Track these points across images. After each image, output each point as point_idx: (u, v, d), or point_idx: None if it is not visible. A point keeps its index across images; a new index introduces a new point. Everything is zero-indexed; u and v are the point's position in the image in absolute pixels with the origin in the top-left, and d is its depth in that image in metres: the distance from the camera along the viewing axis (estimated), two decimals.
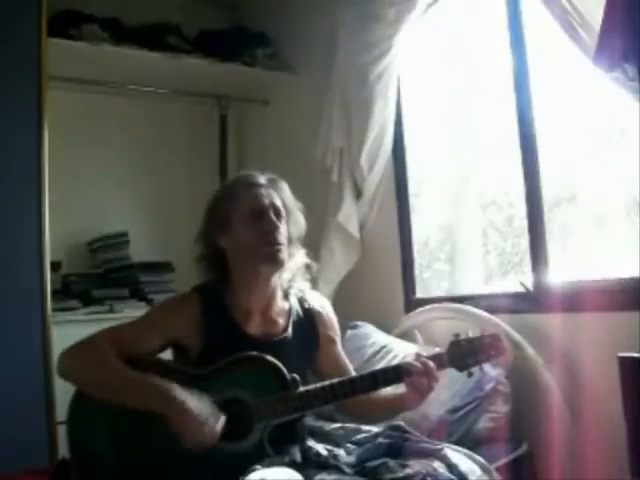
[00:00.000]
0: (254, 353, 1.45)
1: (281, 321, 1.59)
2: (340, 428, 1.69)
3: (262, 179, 1.59)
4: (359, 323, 2.33)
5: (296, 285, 1.65)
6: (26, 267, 2.11)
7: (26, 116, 2.16)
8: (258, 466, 1.31)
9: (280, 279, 1.60)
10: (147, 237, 3.10)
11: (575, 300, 1.83)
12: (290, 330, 1.57)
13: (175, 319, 1.51)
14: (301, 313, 1.63)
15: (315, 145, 2.58)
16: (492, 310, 1.98)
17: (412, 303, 2.43)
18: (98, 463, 1.42)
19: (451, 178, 2.62)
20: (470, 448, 1.55)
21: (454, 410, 1.78)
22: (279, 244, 1.51)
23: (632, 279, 1.71)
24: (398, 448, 1.48)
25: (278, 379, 1.43)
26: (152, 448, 1.40)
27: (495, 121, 2.35)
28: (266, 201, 1.54)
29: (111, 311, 2.72)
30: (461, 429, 1.75)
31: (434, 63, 2.59)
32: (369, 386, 1.46)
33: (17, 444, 1.85)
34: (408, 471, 1.36)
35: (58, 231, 2.33)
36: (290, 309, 1.61)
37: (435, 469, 1.37)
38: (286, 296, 1.64)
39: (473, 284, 2.48)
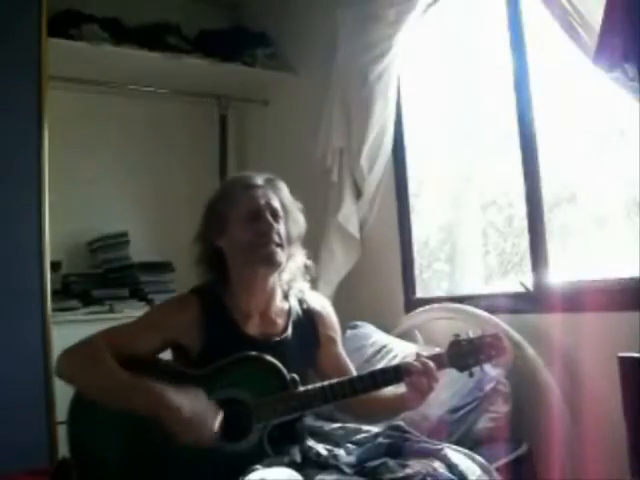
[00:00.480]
0: (254, 353, 1.45)
1: (280, 321, 1.58)
2: (340, 428, 1.69)
3: (259, 180, 1.59)
4: (359, 323, 2.33)
5: (296, 285, 1.65)
6: (26, 267, 2.11)
7: (26, 116, 2.16)
8: (258, 466, 1.31)
9: (279, 280, 1.60)
10: (147, 237, 3.10)
11: (575, 300, 1.83)
12: (290, 330, 1.57)
13: (174, 320, 1.51)
14: (301, 313, 1.62)
15: (315, 145, 2.58)
16: (492, 310, 1.98)
17: (412, 303, 2.43)
18: (98, 463, 1.42)
19: (451, 178, 2.62)
20: (470, 448, 1.55)
21: (454, 410, 1.78)
22: (275, 245, 1.51)
23: (632, 279, 1.71)
24: (398, 448, 1.48)
25: (278, 379, 1.43)
26: (152, 448, 1.40)
27: (495, 121, 2.35)
28: (263, 202, 1.54)
29: (111, 311, 2.72)
30: (461, 429, 1.75)
31: (434, 63, 2.59)
32: (369, 386, 1.46)
33: (17, 444, 1.85)
34: (408, 471, 1.36)
35: (58, 231, 2.33)
36: (290, 309, 1.61)
37: (435, 469, 1.37)
38: (286, 297, 1.64)
39: (473, 284, 2.48)
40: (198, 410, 1.34)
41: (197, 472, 1.38)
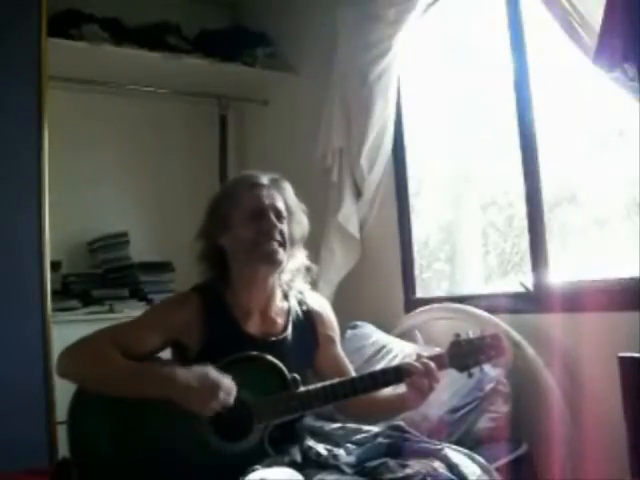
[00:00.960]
0: (254, 353, 1.45)
1: (280, 321, 1.59)
2: (340, 428, 1.69)
3: (264, 179, 1.59)
4: (359, 323, 2.33)
5: (296, 286, 1.65)
6: (26, 267, 2.11)
7: (26, 116, 2.16)
8: (258, 466, 1.31)
9: (279, 279, 1.60)
10: (147, 237, 3.10)
11: (575, 300, 1.83)
12: (289, 330, 1.57)
13: (175, 318, 1.51)
14: (300, 313, 1.63)
15: (315, 145, 2.58)
16: (492, 310, 1.98)
17: (412, 303, 2.43)
18: (98, 463, 1.42)
19: (451, 178, 2.62)
20: (470, 448, 1.55)
21: (454, 410, 1.78)
22: (277, 244, 1.51)
23: (632, 279, 1.71)
24: (398, 448, 1.48)
25: (278, 379, 1.43)
26: (152, 448, 1.40)
27: (495, 121, 2.35)
28: (267, 202, 1.54)
29: (111, 311, 2.72)
30: (461, 429, 1.75)
31: (434, 63, 2.59)
32: (369, 386, 1.46)
33: (17, 444, 1.85)
34: (408, 471, 1.36)
35: (58, 231, 2.33)
36: (289, 309, 1.61)
37: (435, 469, 1.37)
38: (285, 297, 1.64)
39: (473, 284, 2.48)
40: (209, 378, 1.35)
41: (197, 472, 1.38)
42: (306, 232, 1.63)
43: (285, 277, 1.61)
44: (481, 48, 2.38)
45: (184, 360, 1.49)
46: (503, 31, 2.10)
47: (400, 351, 2.07)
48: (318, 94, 2.66)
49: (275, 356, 1.45)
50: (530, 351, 1.86)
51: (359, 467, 1.43)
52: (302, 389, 1.43)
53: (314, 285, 1.73)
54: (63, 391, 1.54)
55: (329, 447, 1.54)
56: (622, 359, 1.30)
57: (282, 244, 1.53)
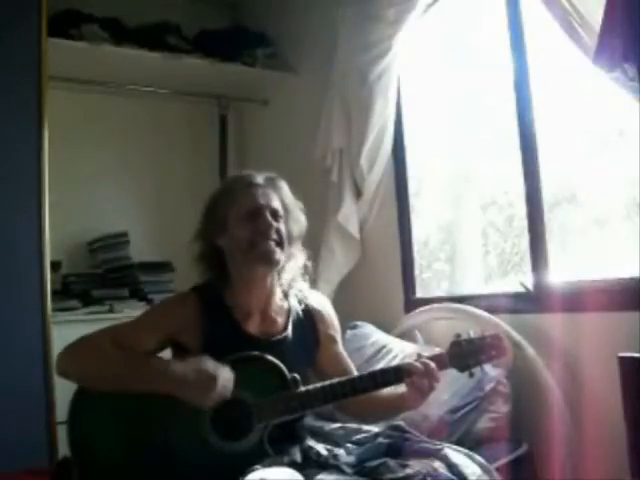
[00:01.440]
0: (254, 353, 1.45)
1: (280, 320, 1.58)
2: (340, 428, 1.69)
3: (260, 179, 1.59)
4: (359, 323, 2.33)
5: (295, 285, 1.65)
6: (26, 267, 2.11)
7: (26, 116, 2.16)
8: (258, 466, 1.31)
9: (279, 279, 1.60)
10: (147, 237, 3.10)
11: (575, 300, 1.83)
12: (290, 329, 1.57)
13: (174, 318, 1.52)
14: (300, 312, 1.62)
15: (315, 145, 2.58)
16: (492, 310, 1.98)
17: (412, 303, 2.43)
18: (98, 463, 1.42)
19: (451, 178, 2.62)
20: (470, 448, 1.55)
21: (454, 410, 1.78)
22: (274, 244, 1.51)
23: (632, 279, 1.71)
24: (398, 448, 1.48)
25: (278, 379, 1.43)
26: (152, 447, 1.40)
27: (495, 121, 2.35)
28: (262, 201, 1.54)
29: (111, 311, 2.72)
30: (461, 429, 1.75)
31: (434, 63, 2.59)
32: (369, 386, 1.46)
33: (17, 444, 1.85)
34: (408, 471, 1.36)
35: (58, 231, 2.33)
36: (289, 309, 1.61)
37: (435, 469, 1.37)
38: (285, 296, 1.64)
39: (473, 284, 2.48)
40: (204, 371, 1.36)
41: (197, 471, 1.38)
42: (304, 230, 1.63)
43: (284, 276, 1.61)
44: (481, 48, 2.38)
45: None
46: (503, 31, 2.10)
47: (400, 351, 2.07)
48: (318, 94, 2.66)
49: (275, 356, 1.45)
50: (530, 351, 1.86)
51: (359, 467, 1.43)
52: (302, 389, 1.43)
53: (314, 285, 1.73)
54: (63, 391, 1.54)
55: (329, 447, 1.54)
56: (622, 359, 1.30)
57: (279, 243, 1.53)
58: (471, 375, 1.50)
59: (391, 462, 1.40)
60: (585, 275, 1.93)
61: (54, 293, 2.27)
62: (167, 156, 3.25)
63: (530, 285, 2.01)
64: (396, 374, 1.46)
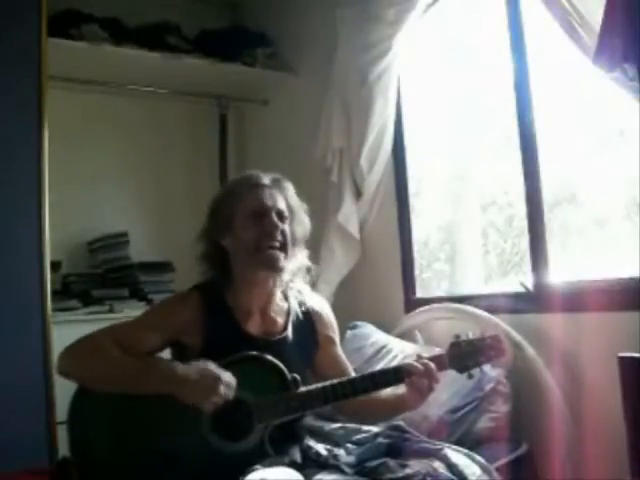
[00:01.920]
0: (255, 353, 1.45)
1: (280, 320, 1.59)
2: (340, 428, 1.69)
3: (266, 180, 1.59)
4: (359, 323, 2.33)
5: (295, 286, 1.65)
6: (26, 267, 2.11)
7: (26, 116, 2.16)
8: (258, 466, 1.31)
9: (280, 279, 1.60)
10: (147, 237, 3.10)
11: (575, 300, 1.83)
12: (289, 330, 1.57)
13: (175, 317, 1.51)
14: (300, 314, 1.63)
15: (315, 145, 2.58)
16: (492, 310, 1.98)
17: (412, 303, 2.43)
18: (99, 463, 1.42)
19: (451, 178, 2.62)
20: (470, 448, 1.55)
21: (454, 410, 1.78)
22: (279, 249, 1.51)
23: (632, 279, 1.71)
24: (398, 448, 1.48)
25: (279, 379, 1.43)
26: (152, 448, 1.40)
27: (495, 121, 2.35)
28: (269, 202, 1.54)
29: (111, 311, 2.72)
30: (461, 429, 1.75)
31: (434, 63, 2.59)
32: (369, 386, 1.46)
33: (17, 444, 1.85)
34: (408, 471, 1.36)
35: (58, 231, 2.33)
36: (289, 309, 1.61)
37: (435, 469, 1.37)
38: (285, 296, 1.64)
39: (473, 284, 2.48)
40: (209, 372, 1.36)
41: (197, 472, 1.38)
42: (308, 232, 1.63)
43: (285, 277, 1.61)
44: (481, 48, 2.38)
45: (184, 360, 1.49)
46: (503, 31, 2.10)
47: (400, 351, 2.07)
48: (318, 94, 2.66)
49: (275, 356, 1.45)
50: (530, 351, 1.86)
51: (359, 467, 1.43)
52: (302, 389, 1.43)
53: (314, 285, 1.73)
54: (63, 391, 1.54)
55: (329, 447, 1.54)
56: (622, 359, 1.30)
57: (283, 246, 1.53)
58: (470, 376, 1.50)
59: (391, 462, 1.40)
60: (585, 275, 1.93)
61: (54, 293, 2.27)
62: (167, 156, 3.25)
63: (530, 285, 2.01)
64: (396, 374, 1.46)
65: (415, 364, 1.43)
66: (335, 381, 1.46)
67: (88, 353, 1.44)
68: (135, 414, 1.41)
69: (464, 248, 2.56)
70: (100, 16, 2.82)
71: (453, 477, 1.37)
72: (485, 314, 1.98)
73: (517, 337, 1.88)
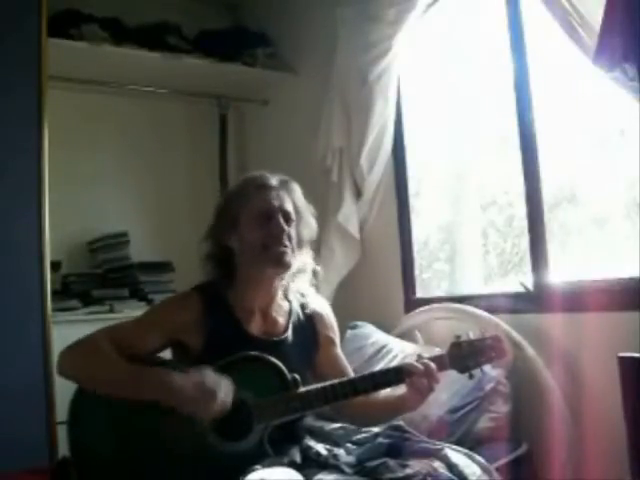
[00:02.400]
0: (255, 353, 1.45)
1: (282, 321, 1.59)
2: (340, 428, 1.69)
3: (273, 181, 1.59)
4: (359, 323, 2.33)
5: (297, 286, 1.65)
6: (26, 267, 2.11)
7: (26, 116, 2.16)
8: (258, 466, 1.31)
9: (283, 280, 1.60)
10: (147, 237, 3.10)
11: (575, 300, 1.83)
12: (290, 330, 1.57)
13: (176, 318, 1.51)
14: (301, 314, 1.63)
15: (315, 145, 2.58)
16: (492, 310, 1.98)
17: (412, 303, 2.43)
18: (99, 463, 1.42)
19: (451, 178, 2.62)
20: (470, 448, 1.55)
21: (454, 410, 1.78)
22: (285, 247, 1.51)
23: (632, 279, 1.71)
24: (398, 448, 1.48)
25: (279, 379, 1.43)
26: (152, 447, 1.40)
27: (495, 121, 2.35)
28: (276, 204, 1.54)
29: (111, 311, 2.72)
30: (461, 429, 1.75)
31: (434, 63, 2.59)
32: (369, 386, 1.46)
33: (17, 444, 1.85)
34: (408, 471, 1.36)
35: (58, 231, 2.33)
36: (290, 310, 1.61)
37: (435, 469, 1.37)
38: (286, 297, 1.64)
39: (473, 284, 2.48)
40: (207, 384, 1.35)
41: (197, 472, 1.38)
42: (314, 234, 1.63)
43: (287, 277, 1.61)
44: (481, 48, 2.38)
45: (185, 360, 1.50)
46: (503, 31, 2.10)
47: (400, 351, 2.07)
48: (318, 94, 2.66)
49: (276, 356, 1.45)
50: (530, 351, 1.86)
51: (359, 467, 1.43)
52: (302, 389, 1.43)
53: (315, 289, 1.73)
54: (63, 391, 1.54)
55: (329, 447, 1.54)
56: (622, 359, 1.30)
57: (290, 247, 1.53)
58: (471, 377, 1.50)
59: (391, 462, 1.40)
60: (585, 275, 1.93)
61: (54, 293, 2.27)
62: (167, 156, 3.25)
63: (530, 285, 2.01)
64: (396, 374, 1.46)
65: (415, 364, 1.43)
66: (335, 381, 1.46)
67: (87, 355, 1.44)
68: (135, 414, 1.41)
69: (464, 248, 2.56)
70: (100, 16, 2.82)
71: (453, 477, 1.37)
72: (485, 314, 1.98)
73: (517, 337, 1.88)
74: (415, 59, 2.57)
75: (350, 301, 2.47)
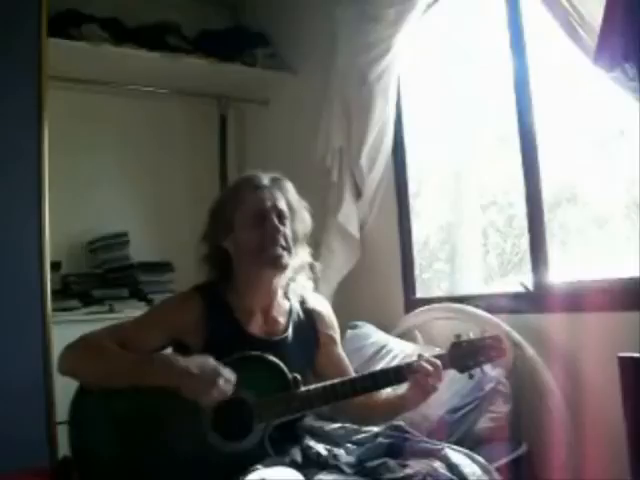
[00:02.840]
0: (255, 352, 1.45)
1: (282, 320, 1.59)
2: (340, 428, 1.69)
3: (265, 180, 1.59)
4: (359, 323, 2.33)
5: (296, 285, 1.65)
6: (26, 267, 2.11)
7: (26, 116, 2.16)
8: (259, 466, 1.31)
9: (283, 278, 1.60)
10: (147, 237, 3.10)
11: (575, 300, 1.83)
12: (290, 330, 1.57)
13: (177, 318, 1.52)
14: (301, 313, 1.63)
15: (315, 145, 2.58)
16: (492, 310, 1.98)
17: (412, 303, 2.43)
18: (99, 463, 1.42)
19: (451, 178, 2.62)
20: (470, 448, 1.55)
21: (454, 410, 1.78)
22: (282, 248, 1.51)
23: (632, 279, 1.71)
24: (398, 448, 1.48)
25: (279, 379, 1.43)
26: (153, 448, 1.40)
27: (495, 121, 2.35)
28: (269, 203, 1.54)
29: (111, 311, 2.72)
30: (461, 429, 1.75)
31: (434, 63, 2.59)
32: (370, 386, 1.46)
33: (17, 444, 1.85)
34: (408, 471, 1.36)
35: (58, 231, 2.32)
36: (290, 309, 1.61)
37: (435, 469, 1.37)
38: (286, 296, 1.64)
39: (473, 284, 2.48)
40: (208, 367, 1.36)
41: (198, 471, 1.38)
42: (309, 230, 1.63)
43: (287, 275, 1.61)
44: (481, 48, 2.38)
45: None
46: (503, 31, 2.10)
47: (400, 351, 2.07)
48: (318, 94, 2.66)
49: (277, 356, 1.45)
50: (530, 351, 1.86)
51: (359, 467, 1.43)
52: (303, 389, 1.43)
53: (315, 285, 1.73)
54: (63, 391, 1.54)
55: (329, 447, 1.54)
56: (622, 359, 1.29)
57: (286, 247, 1.53)
58: (471, 376, 1.50)
59: (391, 462, 1.40)
60: (585, 275, 1.93)
61: (54, 293, 2.27)
62: (167, 156, 3.25)
63: (530, 285, 2.00)
64: (396, 374, 1.46)
65: (422, 362, 1.44)
66: (335, 381, 1.46)
67: (88, 351, 1.44)
68: (135, 414, 1.41)
69: (464, 248, 2.55)
70: (100, 16, 2.82)
71: (453, 477, 1.37)
72: (485, 314, 1.98)
73: (517, 337, 1.88)
74: (415, 59, 2.57)
75: (350, 301, 2.47)
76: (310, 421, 1.70)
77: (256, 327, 1.55)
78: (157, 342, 1.50)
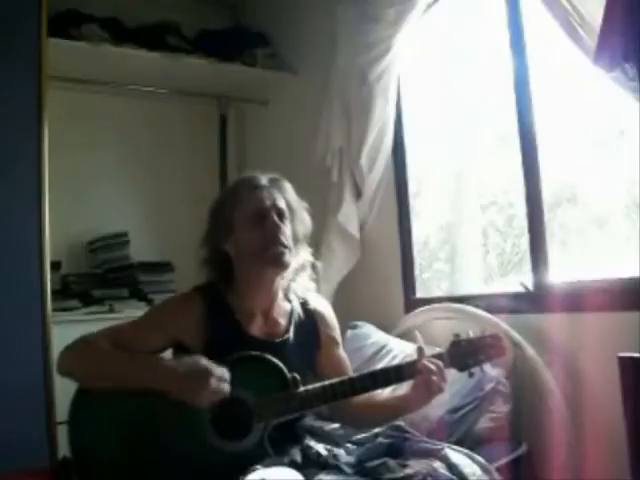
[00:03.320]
0: (255, 352, 1.45)
1: (283, 322, 1.59)
2: (340, 428, 1.69)
3: (264, 180, 1.59)
4: (359, 323, 2.33)
5: (298, 285, 1.65)
6: (26, 267, 2.11)
7: (26, 116, 2.16)
8: (258, 466, 1.31)
9: (283, 279, 1.60)
10: (147, 237, 3.10)
11: (575, 300, 1.83)
12: (291, 331, 1.57)
13: (178, 319, 1.51)
14: (302, 314, 1.63)
15: (315, 145, 2.58)
16: (492, 310, 1.98)
17: (412, 303, 2.43)
18: (99, 463, 1.42)
19: (451, 178, 2.62)
20: (470, 448, 1.55)
21: (454, 410, 1.78)
22: (283, 246, 1.51)
23: (632, 279, 1.71)
24: (398, 448, 1.47)
25: (278, 378, 1.43)
26: (153, 448, 1.40)
27: (495, 121, 2.35)
28: (268, 203, 1.54)
29: (111, 311, 2.72)
30: (461, 429, 1.75)
31: (434, 63, 2.59)
32: (369, 385, 1.46)
33: (17, 444, 1.85)
34: (408, 471, 1.36)
35: (58, 231, 2.33)
36: (291, 310, 1.61)
37: (435, 469, 1.37)
38: (287, 297, 1.64)
39: (473, 284, 2.48)
40: (196, 368, 1.35)
41: (198, 471, 1.38)
42: (309, 230, 1.63)
43: (287, 276, 1.61)
44: (481, 48, 2.38)
45: None
46: (503, 31, 2.10)
47: (400, 351, 2.07)
48: (318, 94, 2.66)
49: (277, 357, 1.45)
50: (530, 351, 1.86)
51: (359, 467, 1.43)
52: (302, 389, 1.43)
53: (315, 284, 1.73)
54: (63, 391, 1.54)
55: (329, 447, 1.54)
56: (622, 359, 1.29)
57: (287, 246, 1.53)
58: (471, 375, 1.50)
59: (391, 462, 1.40)
60: (585, 275, 1.93)
61: (54, 293, 2.27)
62: (167, 156, 3.25)
63: (530, 285, 2.00)
64: (397, 373, 1.46)
65: (427, 363, 1.43)
66: (335, 380, 1.46)
67: (87, 352, 1.45)
68: (135, 414, 1.41)
69: (464, 248, 2.55)
70: (100, 16, 2.82)
71: (453, 477, 1.37)
72: (485, 314, 1.98)
73: (517, 337, 1.88)
74: (415, 59, 2.57)
75: (350, 301, 2.47)
76: (310, 421, 1.70)
77: (257, 328, 1.55)
78: (157, 343, 1.50)
